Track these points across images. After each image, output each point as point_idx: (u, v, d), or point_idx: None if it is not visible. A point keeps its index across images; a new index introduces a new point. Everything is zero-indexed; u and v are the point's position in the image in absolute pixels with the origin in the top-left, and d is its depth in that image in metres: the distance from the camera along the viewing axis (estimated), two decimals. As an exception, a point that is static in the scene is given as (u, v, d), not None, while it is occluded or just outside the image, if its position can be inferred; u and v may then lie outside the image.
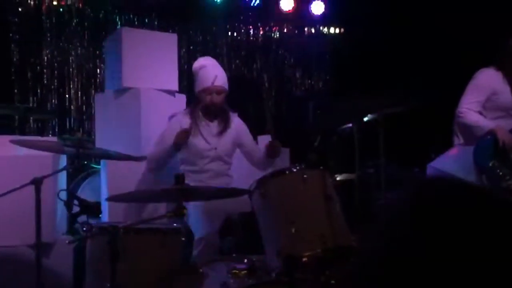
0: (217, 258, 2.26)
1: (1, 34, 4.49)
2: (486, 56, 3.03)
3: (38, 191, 2.18)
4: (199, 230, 2.70)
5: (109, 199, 2.30)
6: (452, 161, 2.99)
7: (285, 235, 2.03)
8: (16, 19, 4.55)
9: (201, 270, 2.12)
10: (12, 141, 2.38)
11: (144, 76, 3.28)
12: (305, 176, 2.11)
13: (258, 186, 2.16)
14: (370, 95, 2.64)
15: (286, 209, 2.08)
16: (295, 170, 2.15)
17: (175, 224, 2.32)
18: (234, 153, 3.14)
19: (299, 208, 2.08)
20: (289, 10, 5.41)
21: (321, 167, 2.20)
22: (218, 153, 3.01)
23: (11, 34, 4.55)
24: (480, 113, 2.89)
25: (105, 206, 3.13)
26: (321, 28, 5.81)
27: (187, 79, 5.15)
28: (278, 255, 2.02)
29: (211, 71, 3.02)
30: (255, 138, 4.02)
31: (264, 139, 4.02)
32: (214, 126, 3.05)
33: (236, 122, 3.15)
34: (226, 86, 3.04)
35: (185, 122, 3.02)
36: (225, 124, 3.05)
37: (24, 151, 2.76)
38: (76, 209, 2.68)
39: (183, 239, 2.22)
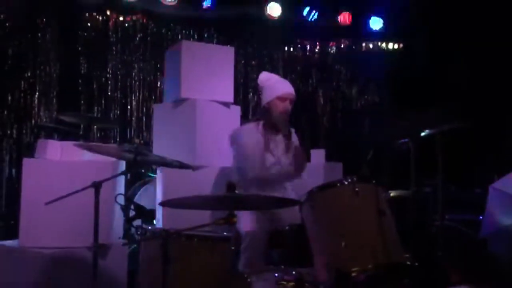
0: (266, 269, 2.26)
1: (71, 47, 4.78)
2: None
3: (97, 194, 2.28)
4: (247, 238, 2.72)
5: (163, 203, 2.36)
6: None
7: (334, 248, 2.00)
8: (85, 34, 4.83)
9: (249, 280, 2.13)
10: (75, 145, 2.52)
11: (201, 88, 3.37)
12: (357, 189, 2.07)
13: (308, 198, 2.15)
14: (428, 111, 2.57)
15: (336, 222, 2.05)
16: (346, 182, 2.12)
17: (225, 233, 2.35)
18: None
19: (350, 221, 2.04)
20: (346, 22, 5.38)
21: (374, 182, 2.15)
22: (281, 163, 2.97)
23: (79, 48, 4.83)
24: None
25: (159, 212, 3.22)
26: (379, 43, 5.74)
27: (243, 92, 5.25)
28: (327, 269, 1.99)
29: (283, 81, 3.06)
30: (308, 152, 4.00)
31: (317, 153, 4.01)
32: (279, 141, 3.01)
33: (294, 140, 3.10)
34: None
35: (255, 136, 2.98)
36: (289, 140, 3.00)
37: (86, 156, 2.91)
38: (132, 213, 2.78)
39: (232, 248, 2.25)
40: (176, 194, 2.12)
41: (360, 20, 5.49)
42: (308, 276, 2.10)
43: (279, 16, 5.10)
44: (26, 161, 2.90)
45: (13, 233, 3.03)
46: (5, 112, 4.52)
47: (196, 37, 5.11)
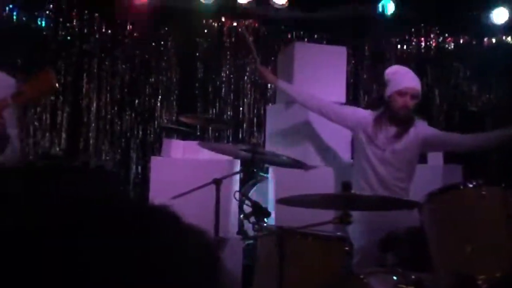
0: (382, 270, 2.21)
1: (189, 54, 5.11)
2: None
3: (218, 191, 2.42)
4: (357, 239, 2.68)
5: (279, 201, 2.43)
6: None
7: (458, 254, 1.91)
8: (202, 40, 5.13)
9: (365, 281, 2.11)
10: (199, 144, 2.70)
11: (314, 88, 3.39)
12: (483, 192, 1.95)
13: (429, 200, 2.07)
14: None
15: (460, 226, 1.95)
16: (471, 185, 2.01)
17: (338, 233, 2.35)
18: (411, 163, 2.98)
19: (476, 226, 1.93)
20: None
21: (503, 185, 2.01)
22: (387, 156, 2.91)
23: (197, 54, 5.14)
24: None
25: (271, 210, 3.31)
26: (503, 37, 5.30)
27: (353, 93, 5.18)
28: (450, 275, 1.90)
29: (407, 75, 2.98)
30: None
31: (435, 155, 3.81)
32: (391, 129, 2.94)
33: (420, 129, 2.97)
34: (419, 93, 2.95)
35: (368, 121, 2.98)
36: (403, 129, 2.90)
37: (205, 155, 3.10)
38: (247, 210, 2.90)
39: (346, 248, 2.24)
40: (288, 193, 2.18)
41: (483, 13, 5.12)
42: (428, 281, 2.02)
43: (392, 13, 4.94)
44: (153, 159, 3.17)
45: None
46: (133, 115, 4.96)
47: (306, 39, 5.16)
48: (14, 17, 4.60)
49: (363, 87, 5.23)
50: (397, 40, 5.30)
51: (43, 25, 4.68)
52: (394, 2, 4.89)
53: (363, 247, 2.70)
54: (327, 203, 2.20)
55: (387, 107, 2.93)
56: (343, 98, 3.49)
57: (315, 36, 5.19)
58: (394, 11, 4.93)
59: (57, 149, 4.69)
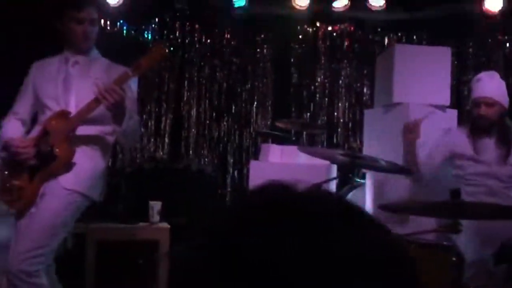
0: (494, 283, 2.08)
1: (283, 59, 5.17)
2: None
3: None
4: (470, 253, 2.53)
5: (381, 207, 2.38)
6: None
7: None
8: (296, 45, 5.17)
9: (475, 294, 1.99)
10: (299, 149, 2.73)
11: (415, 91, 3.28)
12: None
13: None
14: None
15: None
16: None
17: (445, 242, 2.24)
18: None
19: None
20: None
21: None
22: (494, 170, 2.77)
23: (292, 59, 5.19)
24: None
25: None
26: None
27: (456, 95, 4.91)
28: None
29: (482, 83, 2.87)
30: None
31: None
32: (490, 146, 2.82)
33: None
34: (498, 98, 2.81)
35: (459, 136, 2.90)
36: (504, 141, 2.78)
37: (302, 159, 3.12)
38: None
39: (453, 258, 2.13)
40: (386, 198, 2.13)
41: None
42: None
43: (500, 10, 4.61)
44: (252, 163, 3.26)
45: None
46: (230, 120, 5.13)
47: (404, 40, 5.00)
48: (124, 31, 4.98)
49: (468, 90, 4.93)
50: (506, 38, 4.93)
51: (149, 37, 5.01)
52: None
53: (473, 258, 2.56)
54: (433, 210, 2.11)
55: (469, 117, 2.89)
56: (447, 101, 3.33)
57: (414, 37, 5.00)
58: (502, 7, 4.60)
59: (161, 153, 4.99)
